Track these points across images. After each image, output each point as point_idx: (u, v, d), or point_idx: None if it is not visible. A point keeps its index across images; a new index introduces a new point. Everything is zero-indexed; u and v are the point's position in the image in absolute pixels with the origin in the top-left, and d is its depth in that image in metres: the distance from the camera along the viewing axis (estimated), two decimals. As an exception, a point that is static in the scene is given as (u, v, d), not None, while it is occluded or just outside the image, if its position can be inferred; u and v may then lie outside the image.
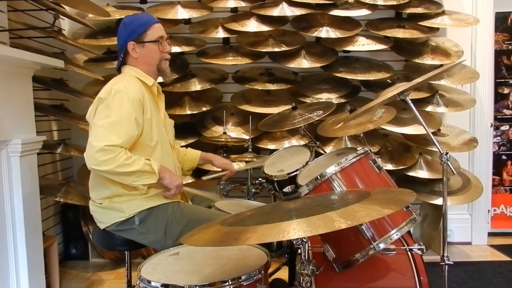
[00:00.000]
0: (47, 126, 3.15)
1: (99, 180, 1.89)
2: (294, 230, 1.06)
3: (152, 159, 1.82)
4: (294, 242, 1.33)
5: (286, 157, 2.41)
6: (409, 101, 1.92)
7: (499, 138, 3.70)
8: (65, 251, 3.31)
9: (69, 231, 3.29)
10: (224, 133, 2.88)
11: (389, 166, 3.07)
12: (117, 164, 1.71)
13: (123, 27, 1.95)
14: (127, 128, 1.77)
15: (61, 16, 2.63)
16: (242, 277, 1.40)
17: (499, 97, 3.67)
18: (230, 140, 2.83)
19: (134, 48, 1.92)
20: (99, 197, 1.91)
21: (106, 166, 1.71)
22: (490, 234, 3.58)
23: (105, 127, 1.74)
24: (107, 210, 1.88)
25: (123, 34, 1.94)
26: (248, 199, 2.45)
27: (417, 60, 3.14)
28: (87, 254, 3.32)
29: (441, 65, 3.07)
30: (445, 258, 1.85)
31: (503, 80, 3.67)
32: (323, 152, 2.55)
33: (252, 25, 3.09)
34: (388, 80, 3.17)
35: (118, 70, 2.02)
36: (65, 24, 3.31)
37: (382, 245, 1.55)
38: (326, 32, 3.08)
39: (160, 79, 2.09)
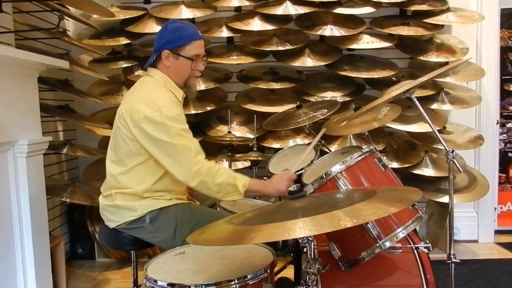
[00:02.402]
0: (53, 127, 3.17)
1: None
2: (300, 229, 1.06)
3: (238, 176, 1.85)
4: (300, 241, 1.33)
5: (291, 156, 2.41)
6: (415, 99, 1.91)
7: (505, 135, 3.67)
8: (72, 251, 3.33)
9: (75, 231, 3.30)
10: (229, 132, 2.88)
11: (395, 164, 3.06)
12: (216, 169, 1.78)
13: (165, 31, 1.90)
14: (193, 140, 1.82)
15: (65, 17, 2.64)
16: (248, 276, 1.41)
17: (505, 94, 3.64)
18: (235, 139, 2.83)
19: (168, 57, 1.89)
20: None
21: (207, 176, 1.76)
22: (497, 232, 3.56)
23: (181, 145, 1.76)
24: (119, 209, 1.87)
25: (162, 38, 1.90)
26: (253, 198, 2.44)
27: (422, 58, 3.13)
28: (93, 253, 3.34)
29: (446, 63, 3.06)
30: (451, 256, 1.84)
31: (508, 77, 3.64)
32: (328, 151, 2.54)
33: (256, 24, 3.09)
34: (393, 78, 3.16)
35: (144, 68, 2.00)
36: (70, 25, 3.33)
37: (388, 244, 1.54)
38: (330, 31, 3.07)
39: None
